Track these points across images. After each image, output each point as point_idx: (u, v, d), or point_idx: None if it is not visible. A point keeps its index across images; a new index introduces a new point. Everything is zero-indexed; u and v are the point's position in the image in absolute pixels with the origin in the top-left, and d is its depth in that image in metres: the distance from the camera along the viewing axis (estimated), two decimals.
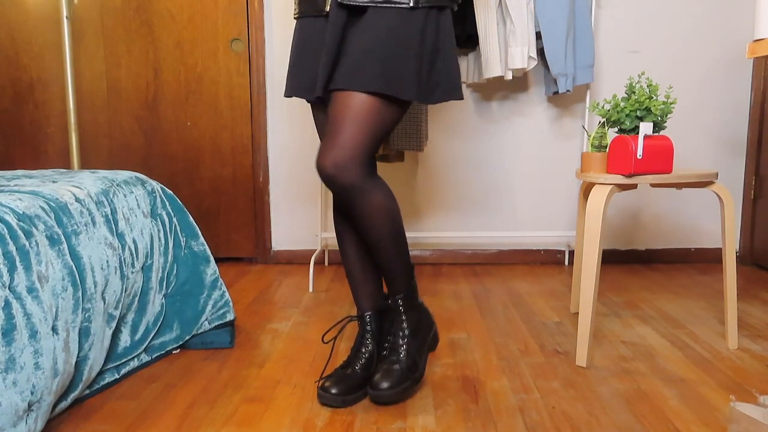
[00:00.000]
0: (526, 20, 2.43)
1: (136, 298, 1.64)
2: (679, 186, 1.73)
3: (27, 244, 1.23)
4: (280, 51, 2.86)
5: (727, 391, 1.52)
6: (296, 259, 2.99)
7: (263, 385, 1.57)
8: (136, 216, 1.66)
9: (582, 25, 2.53)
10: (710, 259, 2.97)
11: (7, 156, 2.97)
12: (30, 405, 1.17)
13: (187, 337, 1.79)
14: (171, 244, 1.76)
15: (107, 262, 1.47)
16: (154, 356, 1.71)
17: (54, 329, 1.25)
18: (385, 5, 1.32)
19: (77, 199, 1.46)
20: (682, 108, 2.88)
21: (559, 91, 2.53)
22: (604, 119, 1.74)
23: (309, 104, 1.55)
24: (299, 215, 2.98)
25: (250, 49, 2.86)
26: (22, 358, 1.15)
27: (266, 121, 2.91)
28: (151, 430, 1.34)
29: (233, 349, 1.82)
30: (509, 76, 2.51)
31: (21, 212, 1.27)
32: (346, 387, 1.45)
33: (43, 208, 1.34)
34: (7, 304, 1.14)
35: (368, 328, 1.55)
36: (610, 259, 2.97)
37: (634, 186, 1.72)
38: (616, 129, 1.74)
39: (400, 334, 1.49)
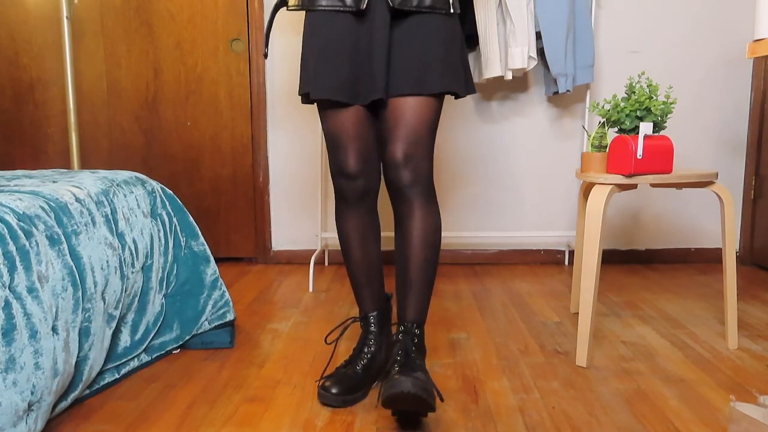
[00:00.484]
0: (526, 20, 2.43)
1: (136, 298, 1.64)
2: (679, 186, 1.73)
3: (27, 244, 1.23)
4: (280, 51, 2.86)
5: (727, 391, 1.52)
6: (296, 259, 2.99)
7: (263, 385, 1.57)
8: (136, 216, 1.66)
9: (582, 25, 2.53)
10: (710, 259, 2.97)
11: (7, 156, 2.97)
12: (30, 405, 1.17)
13: (187, 337, 1.79)
14: (171, 244, 1.76)
15: (107, 262, 1.47)
16: (154, 356, 1.71)
17: (54, 329, 1.25)
18: (427, 12, 1.38)
19: (77, 199, 1.46)
20: (682, 108, 2.88)
21: (559, 91, 2.53)
22: (604, 119, 1.74)
23: (308, 104, 1.53)
24: (299, 215, 2.98)
25: (250, 49, 2.86)
26: (22, 358, 1.15)
27: (266, 121, 2.91)
28: (151, 430, 1.34)
29: (233, 349, 1.82)
30: (509, 76, 2.51)
31: (21, 212, 1.27)
32: (346, 387, 1.45)
33: (43, 208, 1.34)
34: (7, 304, 1.14)
35: (371, 329, 1.55)
36: (610, 259, 2.97)
37: (634, 186, 1.72)
38: (616, 129, 1.74)
39: (417, 361, 1.36)
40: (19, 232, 1.22)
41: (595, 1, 2.70)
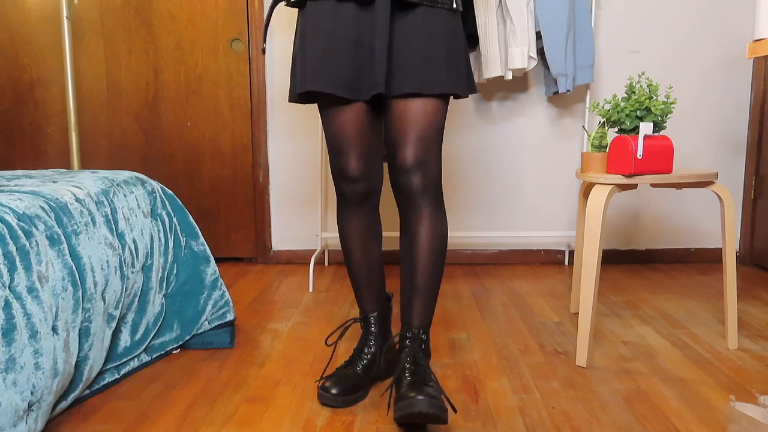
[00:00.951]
0: (526, 20, 2.43)
1: (136, 298, 1.64)
2: (679, 186, 1.73)
3: (27, 244, 1.23)
4: (280, 51, 2.86)
5: (727, 391, 1.52)
6: (296, 259, 2.99)
7: (263, 385, 1.57)
8: (136, 216, 1.66)
9: (582, 25, 2.53)
10: (710, 259, 2.97)
11: (7, 156, 2.97)
12: (30, 405, 1.17)
13: (187, 337, 1.79)
14: (171, 244, 1.76)
15: (107, 262, 1.47)
16: (154, 356, 1.71)
17: (54, 329, 1.25)
18: (431, 6, 1.35)
19: (77, 199, 1.46)
20: (682, 108, 2.88)
21: (559, 91, 2.53)
22: (604, 119, 1.74)
23: (302, 104, 1.51)
24: (299, 215, 2.98)
25: (250, 49, 2.86)
26: (22, 358, 1.15)
27: (266, 121, 2.91)
28: (151, 430, 1.34)
29: (233, 349, 1.82)
30: (509, 76, 2.51)
31: (21, 212, 1.27)
32: (346, 387, 1.45)
33: (43, 208, 1.34)
34: (7, 304, 1.14)
35: (372, 329, 1.55)
36: (610, 259, 2.97)
37: (634, 186, 1.72)
38: (616, 129, 1.74)
39: (427, 370, 1.37)
40: (19, 232, 1.22)
41: (595, 1, 2.70)
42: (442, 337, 1.91)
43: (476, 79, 2.66)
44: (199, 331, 1.80)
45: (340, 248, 1.59)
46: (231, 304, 1.84)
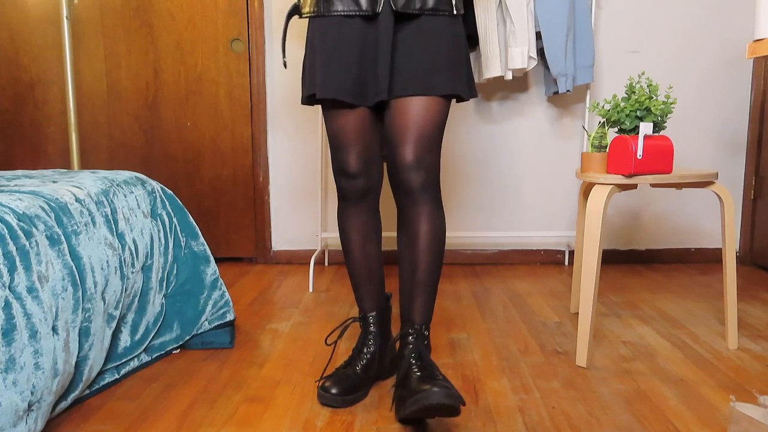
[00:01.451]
0: (526, 20, 2.43)
1: (136, 298, 1.64)
2: (679, 186, 1.73)
3: (27, 244, 1.23)
4: (280, 51, 2.86)
5: (727, 391, 1.52)
6: (296, 259, 2.99)
7: (263, 385, 1.57)
8: (136, 216, 1.66)
9: (582, 25, 2.53)
10: (710, 259, 2.97)
11: (7, 156, 2.97)
12: (30, 405, 1.17)
13: (187, 337, 1.79)
14: (171, 244, 1.76)
15: (107, 262, 1.47)
16: (154, 356, 1.71)
17: (54, 329, 1.25)
18: (433, 14, 1.38)
19: (77, 199, 1.46)
20: (682, 108, 2.88)
21: (559, 91, 2.53)
22: (604, 119, 1.74)
23: (310, 106, 1.53)
24: (299, 215, 2.98)
25: (250, 49, 2.86)
26: (22, 358, 1.15)
27: (266, 121, 2.91)
28: (151, 430, 1.34)
29: (233, 349, 1.82)
30: (509, 76, 2.51)
31: (21, 212, 1.27)
32: (346, 387, 1.45)
33: (43, 208, 1.34)
34: (7, 304, 1.14)
35: (371, 329, 1.55)
36: (610, 259, 2.97)
37: (634, 186, 1.72)
38: (616, 129, 1.74)
39: (434, 364, 1.38)
40: (19, 232, 1.22)
41: (595, 1, 2.70)
42: (442, 337, 1.91)
43: (476, 80, 2.66)
44: (199, 331, 1.80)
45: (340, 248, 1.60)
46: (231, 304, 1.84)
